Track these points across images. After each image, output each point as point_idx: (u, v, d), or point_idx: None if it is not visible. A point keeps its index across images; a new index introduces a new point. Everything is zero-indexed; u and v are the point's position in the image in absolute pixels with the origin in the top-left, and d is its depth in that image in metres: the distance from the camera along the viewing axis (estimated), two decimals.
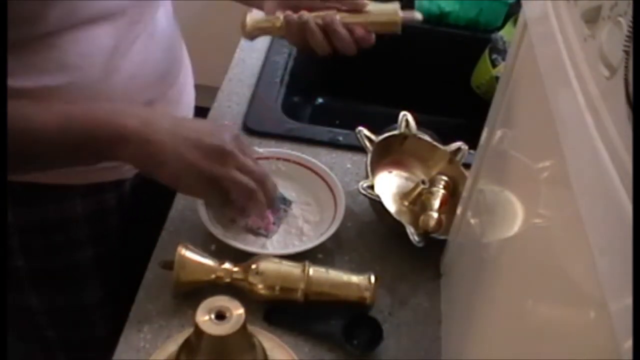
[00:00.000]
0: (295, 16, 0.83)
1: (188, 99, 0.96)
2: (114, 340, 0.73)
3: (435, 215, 0.82)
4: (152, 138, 0.69)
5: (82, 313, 0.96)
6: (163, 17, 0.85)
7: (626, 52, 0.33)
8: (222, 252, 0.80)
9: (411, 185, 0.91)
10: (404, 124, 0.92)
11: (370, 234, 0.88)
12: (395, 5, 0.86)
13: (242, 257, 0.77)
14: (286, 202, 0.87)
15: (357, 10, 0.84)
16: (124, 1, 0.75)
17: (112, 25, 0.74)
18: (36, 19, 0.67)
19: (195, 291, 0.74)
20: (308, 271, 0.76)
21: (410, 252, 0.82)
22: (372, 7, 0.85)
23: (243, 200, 0.75)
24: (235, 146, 0.74)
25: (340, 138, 1.01)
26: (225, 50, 1.27)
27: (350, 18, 0.84)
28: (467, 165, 0.82)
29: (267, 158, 0.92)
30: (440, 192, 0.86)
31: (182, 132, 0.71)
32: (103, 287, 0.95)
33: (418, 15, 0.86)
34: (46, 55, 0.71)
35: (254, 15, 0.87)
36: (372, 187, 0.82)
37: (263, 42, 1.18)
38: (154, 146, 0.69)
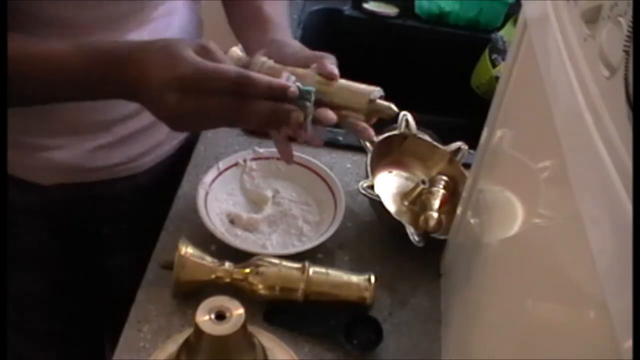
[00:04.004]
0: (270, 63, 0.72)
1: None
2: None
3: (435, 215, 0.82)
4: (146, 106, 0.66)
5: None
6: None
7: (626, 52, 0.33)
8: (222, 252, 0.80)
9: (411, 185, 0.91)
10: (404, 124, 0.92)
11: (370, 234, 0.88)
12: (372, 92, 0.71)
13: (242, 257, 0.77)
14: (304, 93, 0.67)
15: (330, 79, 0.69)
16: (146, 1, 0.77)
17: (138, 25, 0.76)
18: (70, 20, 0.68)
19: (195, 291, 0.74)
20: (308, 271, 0.76)
21: (410, 252, 0.82)
22: (347, 84, 0.71)
23: (267, 127, 0.70)
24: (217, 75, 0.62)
25: (340, 138, 1.01)
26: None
27: (324, 86, 0.69)
28: (467, 165, 0.82)
29: (267, 158, 0.92)
30: (440, 192, 0.86)
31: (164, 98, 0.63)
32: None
33: (393, 109, 0.71)
34: None
35: (233, 53, 0.84)
36: (372, 187, 0.82)
37: None
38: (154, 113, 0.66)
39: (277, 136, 0.74)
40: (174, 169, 0.96)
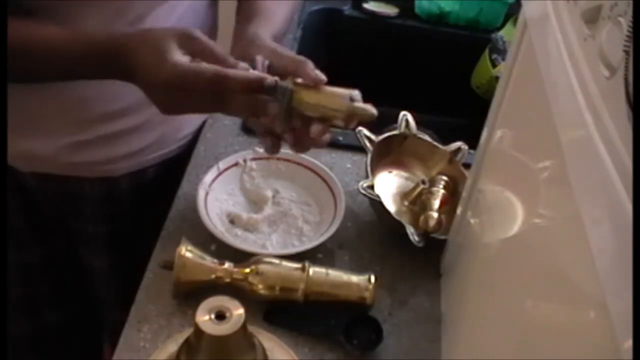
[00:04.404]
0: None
1: None
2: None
3: (435, 215, 0.82)
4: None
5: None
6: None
7: (626, 52, 0.33)
8: (222, 252, 0.80)
9: (411, 185, 0.91)
10: (404, 124, 0.92)
11: (370, 234, 0.88)
12: (351, 94, 0.69)
13: (242, 257, 0.77)
14: (281, 89, 0.68)
15: (313, 85, 0.69)
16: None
17: None
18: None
19: (195, 291, 0.74)
20: (308, 271, 0.76)
21: (410, 252, 0.82)
22: (328, 89, 0.70)
23: (248, 117, 0.74)
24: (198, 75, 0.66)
25: (340, 138, 1.01)
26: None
27: (303, 92, 0.69)
28: (467, 165, 0.82)
29: (267, 158, 0.92)
30: (440, 192, 0.86)
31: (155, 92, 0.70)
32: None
33: (372, 111, 0.69)
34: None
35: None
36: (372, 187, 0.82)
37: None
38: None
39: (260, 129, 0.75)
40: (161, 176, 0.96)
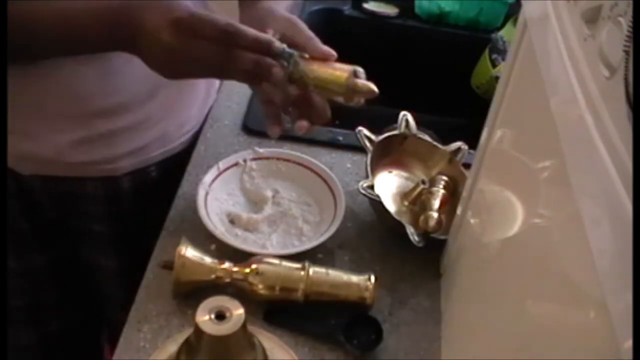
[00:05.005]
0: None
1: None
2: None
3: (435, 215, 0.82)
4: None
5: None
6: None
7: (626, 52, 0.33)
8: (222, 252, 0.80)
9: (411, 185, 0.91)
10: (404, 124, 0.92)
11: (370, 234, 0.88)
12: (356, 70, 0.71)
13: (242, 257, 0.77)
14: (286, 54, 0.70)
15: (319, 58, 0.71)
16: None
17: None
18: None
19: (195, 291, 0.74)
20: (308, 271, 0.76)
21: (410, 252, 0.82)
22: (333, 64, 0.72)
23: (249, 80, 0.73)
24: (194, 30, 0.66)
25: (340, 138, 1.01)
26: None
27: (308, 63, 0.70)
28: (467, 165, 0.82)
29: (267, 158, 0.92)
30: (440, 192, 0.86)
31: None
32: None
33: (373, 88, 0.70)
34: None
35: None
36: (372, 187, 0.82)
37: None
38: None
39: (259, 97, 0.76)
40: (164, 173, 0.96)
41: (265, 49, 0.67)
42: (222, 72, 0.71)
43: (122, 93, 0.83)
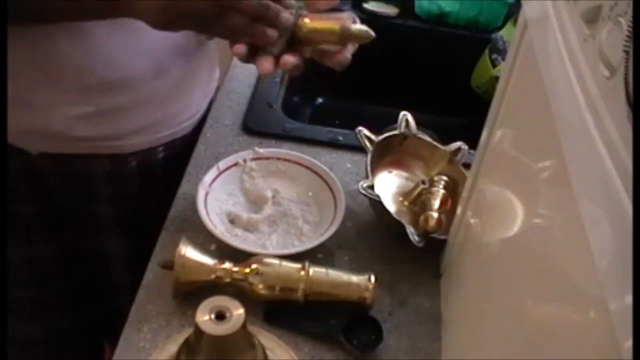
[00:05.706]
0: None
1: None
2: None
3: (435, 215, 0.82)
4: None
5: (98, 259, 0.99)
6: None
7: (626, 52, 0.33)
8: (222, 252, 0.80)
9: (411, 185, 0.91)
10: (404, 124, 0.92)
11: (370, 234, 0.88)
12: (353, 17, 0.75)
13: (242, 257, 0.77)
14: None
15: (313, 9, 0.73)
16: None
17: None
18: None
19: (195, 291, 0.74)
20: (308, 271, 0.76)
21: (410, 252, 0.82)
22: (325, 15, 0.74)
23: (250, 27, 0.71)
24: None
25: (340, 138, 1.01)
26: (226, 49, 1.27)
27: (306, 19, 0.73)
28: (467, 165, 0.82)
29: (267, 158, 0.92)
30: (440, 192, 0.86)
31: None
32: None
33: (368, 31, 0.74)
34: None
35: None
36: (372, 187, 0.82)
37: None
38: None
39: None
40: (170, 156, 0.95)
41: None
42: (218, 25, 0.70)
43: (125, 68, 0.83)
